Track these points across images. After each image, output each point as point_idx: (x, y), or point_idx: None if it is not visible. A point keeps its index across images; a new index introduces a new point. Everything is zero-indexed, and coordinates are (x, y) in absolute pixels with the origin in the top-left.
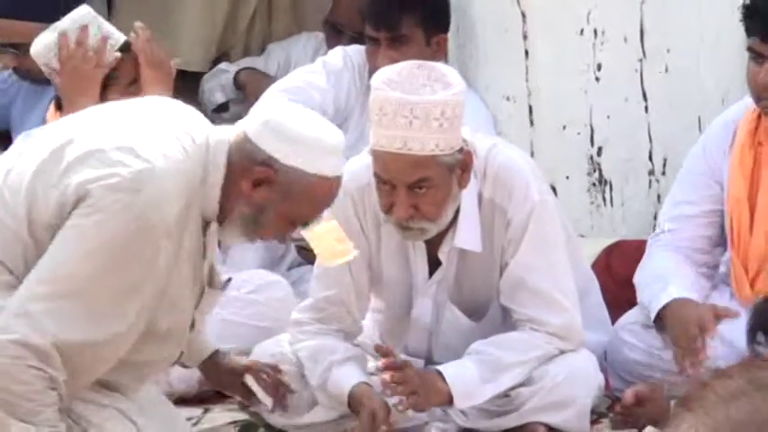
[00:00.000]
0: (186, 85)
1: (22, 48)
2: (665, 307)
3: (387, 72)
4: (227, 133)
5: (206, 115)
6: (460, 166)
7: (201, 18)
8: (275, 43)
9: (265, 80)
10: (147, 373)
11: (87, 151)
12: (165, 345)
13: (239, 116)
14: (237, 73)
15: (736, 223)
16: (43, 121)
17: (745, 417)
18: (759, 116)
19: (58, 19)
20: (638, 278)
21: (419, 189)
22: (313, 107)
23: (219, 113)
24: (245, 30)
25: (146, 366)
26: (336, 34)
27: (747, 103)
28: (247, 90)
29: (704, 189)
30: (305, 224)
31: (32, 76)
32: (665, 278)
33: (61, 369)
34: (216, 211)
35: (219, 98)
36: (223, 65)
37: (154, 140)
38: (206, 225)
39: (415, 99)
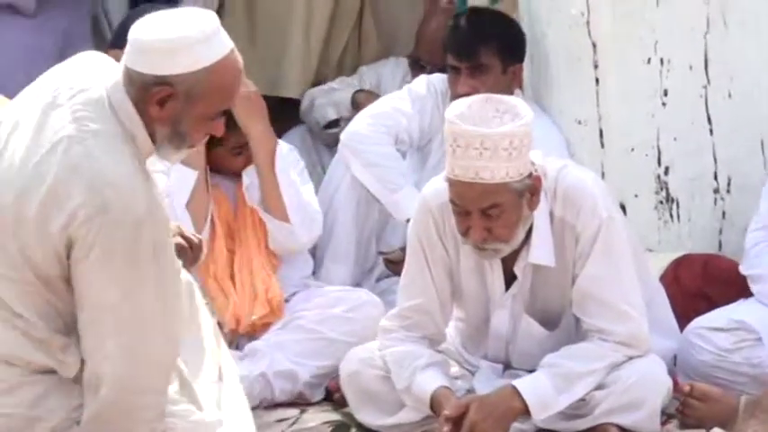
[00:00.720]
0: (284, 109)
1: None
2: None
3: (459, 106)
4: (114, 75)
5: (313, 129)
6: (530, 190)
7: (301, 48)
8: (366, 66)
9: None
10: None
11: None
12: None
13: None
14: (355, 93)
15: None
16: None
17: None
18: None
19: None
20: (751, 270)
21: (491, 214)
22: (399, 130)
23: (329, 129)
24: (338, 58)
25: None
26: (420, 68)
27: None
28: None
29: None
30: (224, 110)
31: None
32: None
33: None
34: (151, 148)
35: (332, 114)
36: (335, 83)
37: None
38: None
39: (484, 131)
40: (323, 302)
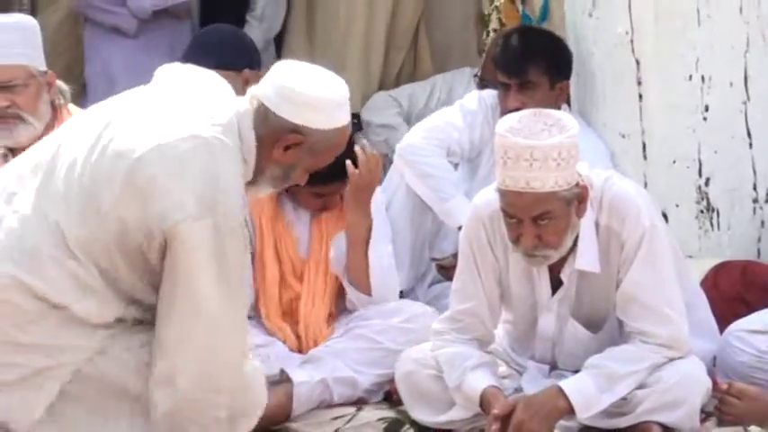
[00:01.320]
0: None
1: None
2: None
3: (509, 120)
4: (244, 104)
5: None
6: (578, 198)
7: (359, 69)
8: (442, 75)
9: None
10: None
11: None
12: None
13: None
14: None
15: None
16: None
17: None
18: None
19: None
20: None
21: (542, 221)
22: (451, 143)
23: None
24: (395, 77)
25: None
26: (485, 87)
27: None
28: None
29: None
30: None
31: None
32: None
33: None
34: (250, 177)
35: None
36: (404, 90)
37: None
38: None
39: (534, 143)
40: (382, 313)
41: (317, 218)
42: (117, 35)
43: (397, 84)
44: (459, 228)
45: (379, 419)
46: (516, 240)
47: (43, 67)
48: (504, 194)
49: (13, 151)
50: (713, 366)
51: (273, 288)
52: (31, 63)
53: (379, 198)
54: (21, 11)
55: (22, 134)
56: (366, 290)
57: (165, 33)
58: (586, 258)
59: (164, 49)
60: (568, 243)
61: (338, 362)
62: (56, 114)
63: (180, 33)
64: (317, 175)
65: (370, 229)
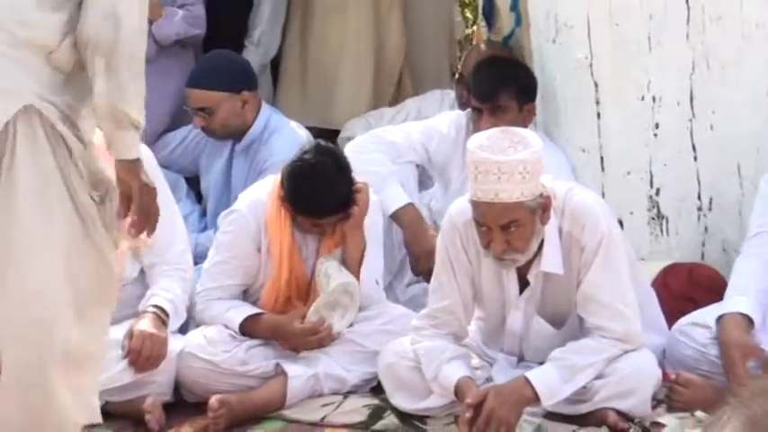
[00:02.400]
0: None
1: (207, 111)
2: (722, 316)
3: (479, 138)
4: None
5: None
6: (542, 207)
7: (351, 92)
8: (411, 99)
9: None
10: None
11: None
12: None
13: None
14: None
15: None
16: (225, 168)
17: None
18: None
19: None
20: (733, 271)
21: (510, 229)
22: (398, 143)
23: None
24: (392, 94)
25: None
26: (462, 82)
27: None
28: None
29: None
30: None
31: (216, 134)
32: (736, 287)
33: None
34: None
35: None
36: (371, 115)
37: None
38: None
39: (501, 158)
40: (365, 317)
41: (323, 241)
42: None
43: (394, 101)
44: (390, 216)
45: (364, 406)
46: (487, 246)
47: None
48: (476, 205)
49: None
50: (663, 358)
51: (274, 307)
52: None
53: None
54: None
55: None
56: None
57: (175, 59)
58: (551, 261)
59: (174, 72)
60: (534, 247)
61: (330, 360)
62: None
63: (187, 59)
64: (317, 211)
65: (363, 250)
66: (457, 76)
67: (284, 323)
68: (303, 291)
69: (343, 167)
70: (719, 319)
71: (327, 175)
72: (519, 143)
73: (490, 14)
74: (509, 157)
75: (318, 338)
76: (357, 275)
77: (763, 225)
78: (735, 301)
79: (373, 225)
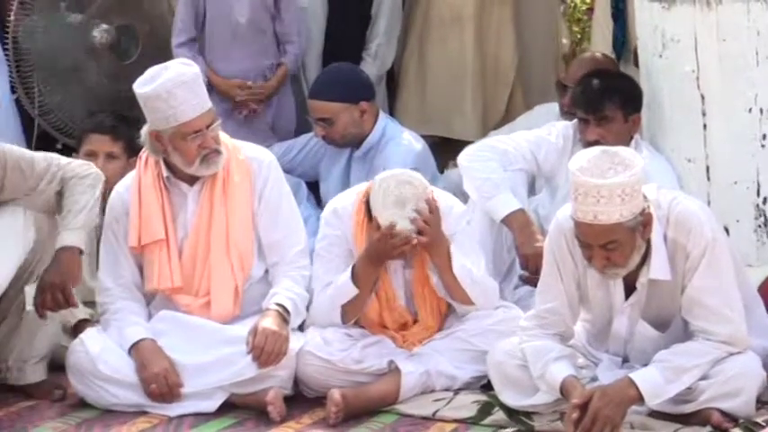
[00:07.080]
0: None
1: (328, 121)
2: None
3: (580, 159)
4: None
5: None
6: (642, 224)
7: (472, 103)
8: (522, 117)
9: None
10: None
11: None
12: None
13: None
14: None
15: None
16: (344, 173)
17: None
18: None
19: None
20: None
21: (610, 247)
22: (510, 151)
23: None
24: (503, 110)
25: None
26: (571, 116)
27: None
28: None
29: None
30: None
31: (336, 142)
32: None
33: None
34: None
35: None
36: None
37: None
38: None
39: (600, 182)
40: (477, 316)
41: (411, 271)
42: None
43: (505, 117)
44: (502, 220)
45: (474, 402)
46: (589, 260)
47: None
48: (577, 224)
49: None
50: None
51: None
52: None
53: (458, 214)
54: None
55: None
56: (467, 301)
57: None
58: (658, 268)
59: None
60: (635, 261)
61: (441, 358)
62: None
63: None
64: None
65: (449, 253)
66: (559, 83)
67: None
68: (402, 317)
69: None
70: None
71: None
72: (619, 164)
73: (622, 48)
74: (607, 181)
75: (393, 244)
76: (453, 278)
77: None
78: None
79: (461, 232)
